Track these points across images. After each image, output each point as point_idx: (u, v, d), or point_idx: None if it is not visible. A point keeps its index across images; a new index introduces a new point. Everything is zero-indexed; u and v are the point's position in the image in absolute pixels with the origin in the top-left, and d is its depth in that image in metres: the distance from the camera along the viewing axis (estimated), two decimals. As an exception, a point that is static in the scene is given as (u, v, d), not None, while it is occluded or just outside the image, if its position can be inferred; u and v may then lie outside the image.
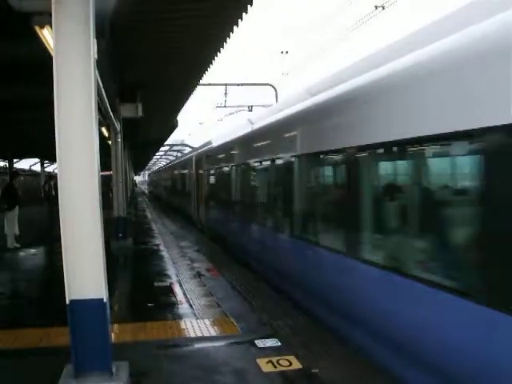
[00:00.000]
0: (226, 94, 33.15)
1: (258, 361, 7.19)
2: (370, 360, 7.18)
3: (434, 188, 6.66)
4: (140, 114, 17.47)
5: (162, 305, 10.56)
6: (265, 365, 7.05)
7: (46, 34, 6.89)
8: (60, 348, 6.95)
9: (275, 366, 7.00)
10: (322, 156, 9.48)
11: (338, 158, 8.77)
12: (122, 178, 19.87)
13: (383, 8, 16.96)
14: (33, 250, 18.51)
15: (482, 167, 5.22)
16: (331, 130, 8.86)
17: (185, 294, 11.35)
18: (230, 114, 38.67)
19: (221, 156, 20.39)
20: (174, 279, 13.09)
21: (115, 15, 8.61)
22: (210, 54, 12.66)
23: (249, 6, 9.07)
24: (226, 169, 18.84)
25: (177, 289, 11.90)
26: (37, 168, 57.88)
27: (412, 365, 6.35)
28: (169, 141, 50.30)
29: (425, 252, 6.48)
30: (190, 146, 53.17)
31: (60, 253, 5.72)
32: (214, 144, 23.06)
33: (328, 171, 9.83)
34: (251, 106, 34.67)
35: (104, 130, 18.23)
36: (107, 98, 11.64)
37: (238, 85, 32.27)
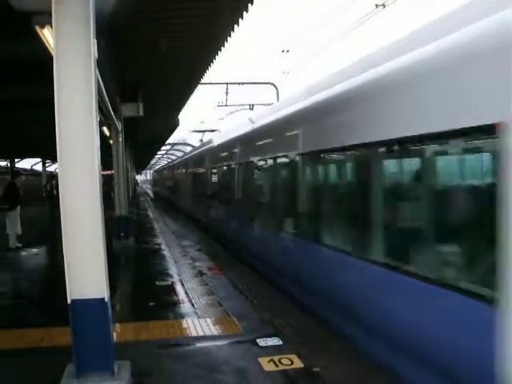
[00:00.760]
0: (227, 92, 33.14)
1: (260, 360, 7.19)
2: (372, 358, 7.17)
3: None
4: (141, 113, 17.48)
5: (163, 304, 10.56)
6: (266, 364, 7.05)
7: (47, 34, 6.89)
8: (61, 348, 6.95)
9: (277, 365, 7.00)
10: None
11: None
12: (123, 177, 19.88)
13: (384, 7, 16.92)
14: (34, 250, 18.52)
15: None
16: None
17: (186, 293, 11.35)
18: (231, 113, 38.63)
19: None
20: (175, 278, 13.09)
21: (116, 15, 8.61)
22: (210, 53, 12.66)
23: (249, 4, 9.06)
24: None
25: (178, 288, 11.91)
26: (38, 168, 57.90)
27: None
28: (170, 140, 50.22)
29: None
30: (191, 145, 53.03)
31: (61, 252, 5.72)
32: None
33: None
34: (252, 105, 34.64)
35: (105, 129, 18.24)
36: (108, 97, 11.64)
37: (239, 83, 32.25)
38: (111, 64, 11.61)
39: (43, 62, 6.74)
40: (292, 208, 11.02)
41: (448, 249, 6.13)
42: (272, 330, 8.55)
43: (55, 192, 28.09)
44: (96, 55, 5.84)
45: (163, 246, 19.18)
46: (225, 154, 19.92)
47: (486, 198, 5.28)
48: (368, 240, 7.65)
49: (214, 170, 22.33)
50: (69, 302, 5.74)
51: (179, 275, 13.42)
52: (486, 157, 5.65)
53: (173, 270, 14.35)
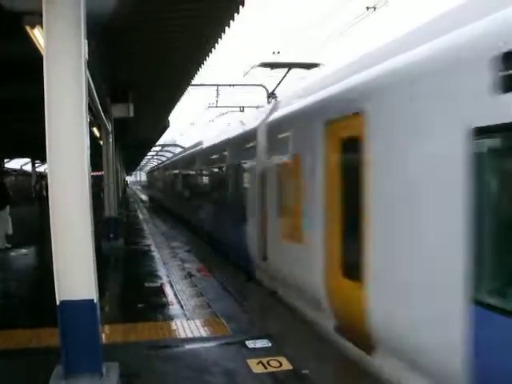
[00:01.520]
0: (217, 94, 33.09)
1: (249, 361, 7.20)
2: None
3: None
4: (131, 114, 17.45)
5: (152, 305, 10.56)
6: (255, 365, 7.06)
7: (37, 34, 6.88)
8: (50, 349, 6.92)
9: (265, 367, 7.01)
10: None
11: None
12: (113, 178, 19.84)
13: (374, 9, 16.95)
14: (24, 250, 18.44)
15: None
16: None
17: (176, 294, 11.34)
18: (222, 115, 38.58)
19: None
20: (164, 280, 13.08)
21: (106, 16, 8.61)
22: (201, 54, 12.66)
23: (240, 6, 9.07)
24: None
25: (168, 289, 11.90)
26: (28, 168, 57.67)
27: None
28: (160, 141, 50.08)
29: None
30: (181, 146, 52.81)
31: (51, 253, 5.71)
32: None
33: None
34: (243, 107, 34.64)
35: (95, 130, 18.19)
36: (98, 97, 11.63)
37: (230, 85, 32.22)
38: (102, 65, 11.59)
39: (34, 61, 6.72)
40: None
41: None
42: (261, 331, 8.55)
43: (44, 193, 28.01)
44: (86, 56, 5.83)
45: (153, 248, 19.17)
46: None
47: None
48: None
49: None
50: (57, 303, 5.72)
51: (168, 277, 13.41)
52: None
53: (162, 271, 14.34)
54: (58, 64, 5.60)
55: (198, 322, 9.23)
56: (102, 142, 19.09)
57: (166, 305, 10.56)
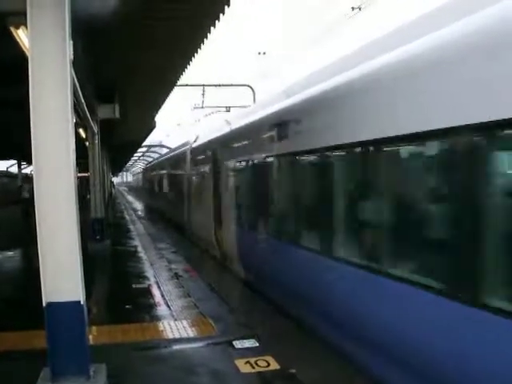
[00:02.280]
0: (203, 94, 33.09)
1: (236, 362, 7.21)
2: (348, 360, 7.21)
3: None
4: (117, 115, 17.40)
5: (140, 306, 10.55)
6: (243, 365, 7.07)
7: (22, 35, 6.83)
8: (37, 351, 6.88)
9: (253, 367, 7.02)
10: None
11: None
12: (99, 179, 19.76)
13: (360, 9, 17.04)
14: (10, 253, 18.35)
15: None
16: None
17: (163, 295, 11.33)
18: (208, 115, 38.51)
19: None
20: (151, 281, 13.07)
21: (91, 16, 8.55)
22: (186, 55, 12.64)
23: (226, 6, 9.06)
24: None
25: (155, 290, 11.88)
26: (14, 169, 57.29)
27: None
28: (147, 142, 49.97)
29: None
30: (167, 147, 52.73)
31: (37, 255, 5.69)
32: None
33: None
34: (229, 107, 34.66)
35: (81, 131, 18.10)
36: (84, 99, 11.56)
37: (216, 85, 32.25)
38: (88, 65, 11.54)
39: (19, 62, 6.68)
40: None
41: None
42: (248, 331, 8.56)
43: (26, 195, 27.81)
44: (72, 56, 5.81)
45: (139, 249, 19.13)
46: None
47: None
48: None
49: None
50: (44, 304, 5.71)
51: (155, 277, 13.39)
52: None
53: (149, 272, 14.32)
54: (43, 65, 5.58)
55: (185, 322, 9.23)
56: (88, 144, 19.00)
57: (153, 306, 10.55)
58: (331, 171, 8.02)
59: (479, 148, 4.85)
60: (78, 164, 5.90)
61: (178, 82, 16.78)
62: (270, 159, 10.53)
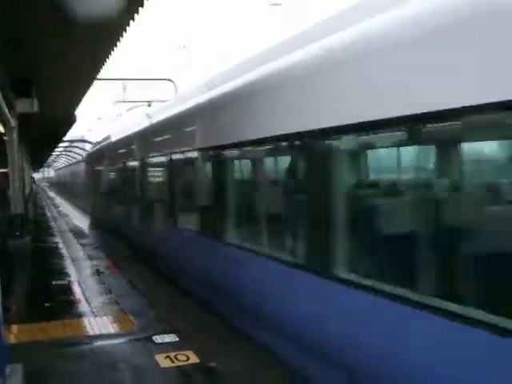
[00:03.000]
0: (124, 89, 32.81)
1: (156, 356, 7.30)
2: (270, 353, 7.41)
3: None
4: (36, 109, 17.08)
5: (60, 304, 10.47)
6: (163, 360, 7.17)
7: None
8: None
9: (173, 361, 7.13)
10: None
11: None
12: (18, 175, 19.34)
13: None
14: None
15: None
16: None
17: (83, 292, 11.28)
18: (130, 110, 38.10)
19: None
20: (72, 277, 12.97)
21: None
22: (102, 51, 12.52)
23: (140, 8, 9.03)
24: None
25: (75, 287, 11.81)
26: None
27: None
28: (67, 137, 49.04)
29: None
30: (90, 142, 51.98)
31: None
32: None
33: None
34: (150, 102, 34.43)
35: (-1, 125, 17.69)
36: (1, 92, 11.34)
37: (137, 79, 32.00)
38: (1, 56, 11.28)
39: None
40: None
41: None
42: (168, 326, 8.66)
43: None
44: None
45: (61, 245, 18.92)
46: None
47: None
48: None
49: None
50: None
51: (76, 274, 13.29)
52: None
53: (70, 269, 14.20)
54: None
55: (105, 318, 9.25)
56: (6, 139, 18.57)
57: (73, 303, 10.50)
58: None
59: None
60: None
61: (98, 76, 16.62)
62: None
